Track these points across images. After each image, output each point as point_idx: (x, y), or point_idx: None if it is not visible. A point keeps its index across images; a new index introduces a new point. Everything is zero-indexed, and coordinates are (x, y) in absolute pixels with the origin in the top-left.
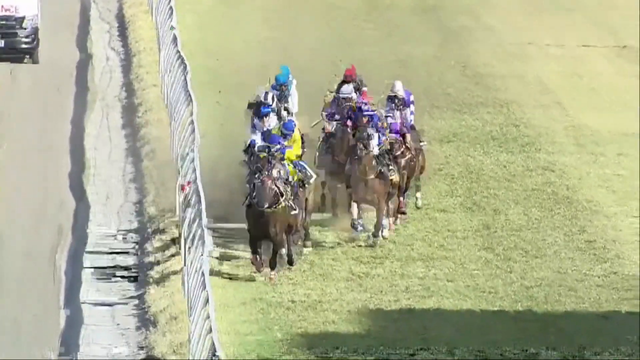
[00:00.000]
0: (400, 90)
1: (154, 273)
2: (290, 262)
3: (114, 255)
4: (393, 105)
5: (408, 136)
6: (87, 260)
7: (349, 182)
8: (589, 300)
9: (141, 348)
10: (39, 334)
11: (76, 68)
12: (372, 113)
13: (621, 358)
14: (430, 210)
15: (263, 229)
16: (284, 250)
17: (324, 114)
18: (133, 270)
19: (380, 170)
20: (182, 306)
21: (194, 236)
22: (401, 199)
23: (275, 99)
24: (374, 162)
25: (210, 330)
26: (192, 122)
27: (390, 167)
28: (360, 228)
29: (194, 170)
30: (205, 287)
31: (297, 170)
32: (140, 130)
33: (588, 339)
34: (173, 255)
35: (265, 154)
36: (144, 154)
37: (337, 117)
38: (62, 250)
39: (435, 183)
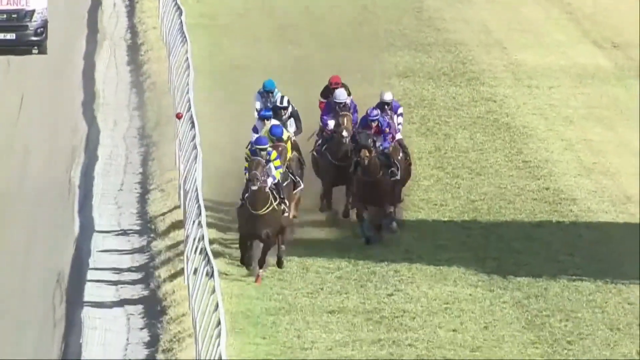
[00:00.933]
0: (389, 97)
1: (154, 186)
2: (280, 264)
3: (121, 172)
4: (383, 111)
5: (399, 135)
6: (98, 177)
7: (353, 185)
8: (525, 211)
9: (144, 252)
10: (56, 239)
11: (87, 13)
12: (378, 118)
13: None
14: None
15: (254, 230)
16: (271, 260)
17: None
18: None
19: (384, 170)
20: (179, 216)
21: (189, 155)
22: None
23: (291, 103)
24: (377, 163)
25: (203, 238)
26: (187, 59)
27: (392, 169)
28: (366, 230)
29: (189, 100)
30: (198, 200)
31: (289, 174)
32: (142, 66)
33: (523, 244)
34: (171, 171)
35: (255, 157)
36: (146, 86)
37: (330, 125)
38: (76, 168)
39: None
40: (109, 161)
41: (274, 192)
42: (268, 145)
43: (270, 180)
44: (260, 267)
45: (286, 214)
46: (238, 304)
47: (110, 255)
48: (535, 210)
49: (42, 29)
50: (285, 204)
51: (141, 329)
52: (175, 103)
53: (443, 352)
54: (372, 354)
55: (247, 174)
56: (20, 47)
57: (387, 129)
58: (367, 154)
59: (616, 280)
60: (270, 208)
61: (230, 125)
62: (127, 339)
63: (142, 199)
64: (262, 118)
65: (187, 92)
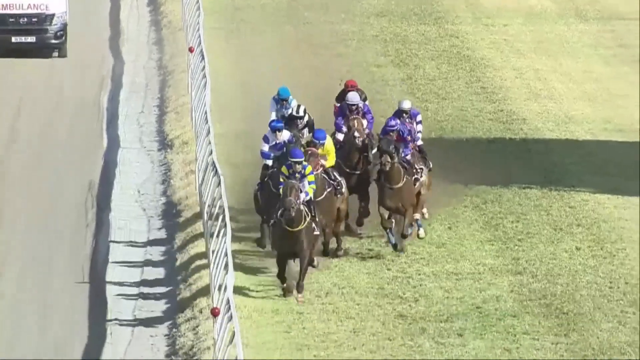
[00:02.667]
0: (407, 106)
1: (170, 109)
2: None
3: (142, 97)
4: (402, 119)
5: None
6: (123, 101)
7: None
8: (482, 130)
9: (161, 165)
10: (88, 152)
11: None
12: (397, 127)
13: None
14: (368, 65)
15: (291, 248)
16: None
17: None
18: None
19: (406, 177)
20: (191, 134)
21: (199, 82)
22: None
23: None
24: (400, 170)
25: (211, 152)
26: (197, 0)
27: (415, 176)
28: (391, 237)
29: (199, 37)
30: (207, 120)
31: (330, 180)
32: (160, 7)
33: (481, 158)
34: (184, 96)
35: (288, 173)
36: (163, 24)
37: (344, 129)
38: (104, 93)
39: (373, 46)
40: (132, 88)
41: (306, 209)
42: (303, 159)
43: (303, 196)
44: (299, 292)
45: (316, 232)
46: (240, 202)
47: (133, 167)
48: (491, 129)
49: (61, 32)
50: (316, 221)
51: (159, 229)
52: (188, 38)
53: (413, 247)
54: (353, 250)
55: (278, 190)
56: (41, 50)
57: (409, 137)
58: (389, 160)
59: (559, 188)
60: (305, 224)
61: (234, 57)
62: (148, 237)
63: (160, 120)
64: (274, 130)
65: (198, 29)
